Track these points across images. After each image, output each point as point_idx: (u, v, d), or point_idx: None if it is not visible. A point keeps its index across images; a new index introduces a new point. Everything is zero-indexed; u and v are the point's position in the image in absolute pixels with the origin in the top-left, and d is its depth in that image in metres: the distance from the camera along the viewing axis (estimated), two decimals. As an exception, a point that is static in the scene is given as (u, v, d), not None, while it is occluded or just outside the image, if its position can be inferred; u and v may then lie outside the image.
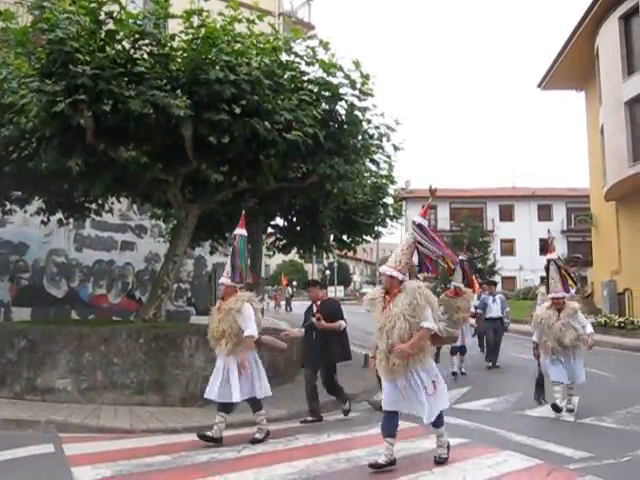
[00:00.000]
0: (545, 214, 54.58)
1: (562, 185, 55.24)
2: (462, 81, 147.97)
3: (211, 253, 18.20)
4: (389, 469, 5.93)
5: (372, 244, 41.09)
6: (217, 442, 7.07)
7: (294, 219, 15.50)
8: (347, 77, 10.29)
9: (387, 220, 17.02)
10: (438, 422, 6.10)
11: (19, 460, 6.42)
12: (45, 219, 13.47)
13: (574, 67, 29.76)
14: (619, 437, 7.52)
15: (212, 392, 7.23)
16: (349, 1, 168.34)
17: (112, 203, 13.73)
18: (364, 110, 10.82)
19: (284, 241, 16.83)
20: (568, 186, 52.55)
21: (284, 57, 10.55)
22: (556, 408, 8.52)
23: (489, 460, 6.37)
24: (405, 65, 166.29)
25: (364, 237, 17.18)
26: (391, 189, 16.57)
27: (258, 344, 7.34)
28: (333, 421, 7.80)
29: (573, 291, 14.24)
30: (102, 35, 9.14)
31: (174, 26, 10.08)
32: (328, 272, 62.80)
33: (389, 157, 14.46)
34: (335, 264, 58.15)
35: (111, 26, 9.24)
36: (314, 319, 8.29)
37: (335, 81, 10.32)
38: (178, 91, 9.02)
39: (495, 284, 16.38)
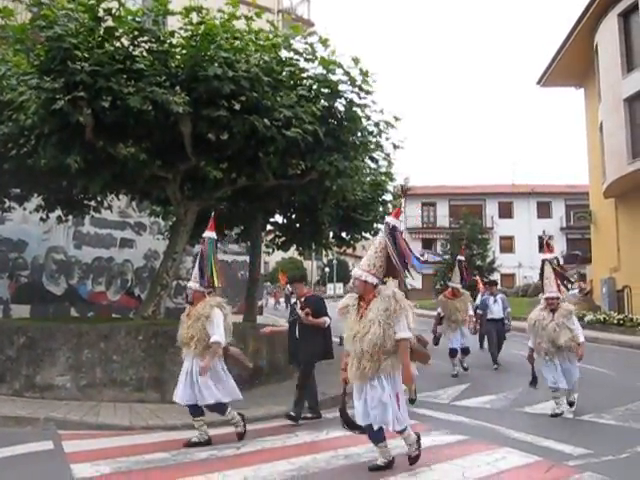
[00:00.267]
0: (544, 211, 54.63)
1: (561, 182, 55.38)
2: (461, 78, 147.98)
3: (210, 250, 18.17)
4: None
5: (371, 241, 41.03)
6: (207, 444, 7.04)
7: (293, 216, 15.50)
8: (346, 74, 10.27)
9: (386, 217, 17.00)
10: (402, 432, 5.88)
11: (18, 457, 6.43)
12: (44, 216, 13.45)
13: (573, 64, 29.73)
14: (618, 434, 7.54)
15: (177, 395, 7.16)
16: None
17: (111, 200, 13.73)
18: (363, 107, 10.81)
19: (283, 238, 16.84)
20: (567, 183, 52.58)
21: (283, 54, 10.53)
22: (556, 415, 8.39)
23: (488, 457, 6.38)
24: (404, 62, 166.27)
25: (363, 234, 17.20)
26: (390, 186, 16.58)
27: (225, 352, 7.25)
28: (332, 418, 7.80)
29: (576, 291, 14.27)
30: (101, 32, 9.13)
31: (173, 23, 10.07)
32: (327, 269, 62.80)
33: (388, 155, 14.48)
34: (334, 261, 58.13)
35: (110, 23, 9.23)
36: (302, 313, 8.15)
37: (334, 78, 10.31)
38: (177, 88, 9.01)
39: (495, 284, 15.83)
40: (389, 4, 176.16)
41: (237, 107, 9.03)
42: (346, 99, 10.51)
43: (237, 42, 9.60)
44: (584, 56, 28.45)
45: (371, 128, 11.62)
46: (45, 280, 18.20)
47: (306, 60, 10.44)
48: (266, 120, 9.29)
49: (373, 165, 14.64)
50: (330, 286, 59.37)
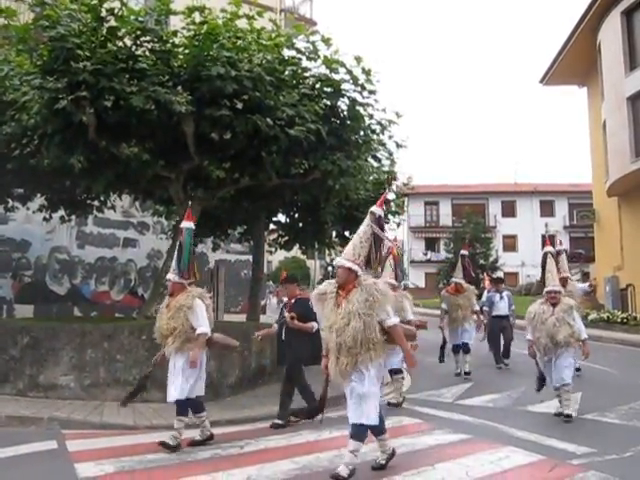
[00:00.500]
0: (547, 210, 54.56)
1: (564, 181, 55.19)
2: (464, 77, 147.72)
3: (213, 250, 18.24)
4: (391, 464, 5.94)
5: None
6: (210, 439, 7.04)
7: (296, 215, 15.50)
8: (349, 73, 10.27)
9: (389, 216, 17.02)
10: (361, 433, 5.67)
11: (22, 457, 6.44)
12: (47, 216, 13.49)
13: (576, 62, 29.69)
14: (622, 433, 7.53)
15: (169, 394, 6.94)
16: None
17: (114, 200, 13.74)
18: (366, 106, 10.81)
19: (286, 237, 16.83)
20: (570, 182, 52.50)
21: (286, 53, 10.53)
22: (560, 415, 8.15)
23: (492, 456, 6.37)
24: (407, 60, 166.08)
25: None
26: (393, 185, 16.58)
27: (209, 342, 7.03)
28: (335, 417, 7.79)
29: (586, 285, 14.12)
30: (104, 32, 9.13)
31: (176, 22, 10.08)
32: (330, 268, 62.78)
33: (391, 154, 14.47)
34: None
35: (113, 23, 9.24)
36: (288, 316, 7.98)
37: (337, 77, 10.31)
38: (179, 87, 9.02)
39: (502, 281, 15.51)
40: (392, 2, 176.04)
41: (240, 106, 9.03)
42: (349, 98, 10.51)
43: (240, 42, 9.59)
44: (587, 54, 28.41)
45: (374, 127, 11.62)
46: (48, 280, 18.24)
47: (309, 59, 10.44)
48: (269, 119, 9.27)
49: (376, 164, 14.64)
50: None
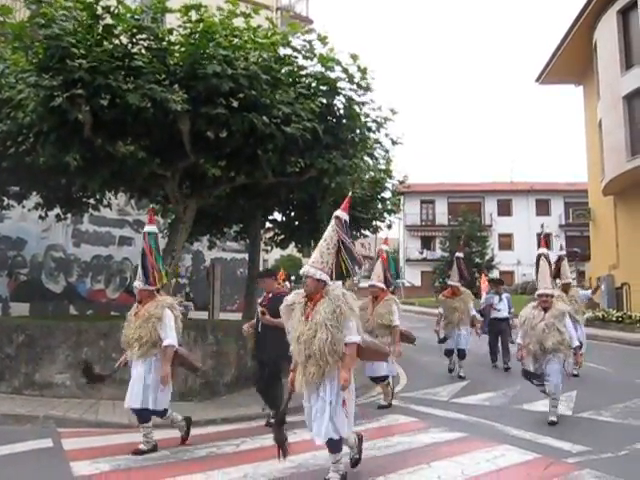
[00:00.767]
0: (543, 209, 54.60)
1: (560, 180, 55.35)
2: (460, 75, 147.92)
3: (209, 248, 18.22)
4: (387, 463, 5.94)
5: (370, 239, 41.09)
6: (154, 450, 6.67)
7: (292, 214, 15.50)
8: (345, 71, 10.27)
9: (385, 215, 17.02)
10: (335, 446, 5.48)
11: (18, 455, 6.44)
12: (43, 214, 13.45)
13: (572, 61, 29.73)
14: (617, 431, 7.56)
15: (127, 400, 6.74)
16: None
17: (110, 198, 13.71)
18: (362, 104, 10.80)
19: (282, 236, 16.83)
20: (566, 181, 52.54)
21: (282, 51, 10.51)
22: (553, 423, 7.84)
23: (487, 454, 6.39)
24: (403, 59, 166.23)
25: (362, 232, 17.20)
26: (389, 183, 16.58)
27: (174, 355, 6.72)
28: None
29: (589, 292, 13.88)
30: (99, 30, 9.08)
31: (172, 20, 10.04)
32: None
33: (387, 152, 14.48)
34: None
35: (108, 21, 9.20)
36: (259, 310, 7.83)
37: (333, 75, 10.30)
38: (176, 85, 8.99)
39: (502, 282, 15.21)
40: (388, 1, 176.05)
41: (236, 105, 9.00)
42: (345, 96, 10.50)
43: (236, 40, 9.57)
44: (583, 53, 28.46)
45: (370, 124, 11.61)
46: (44, 278, 18.20)
47: (305, 57, 10.42)
48: (265, 117, 9.25)
49: (372, 162, 14.63)
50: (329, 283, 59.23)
